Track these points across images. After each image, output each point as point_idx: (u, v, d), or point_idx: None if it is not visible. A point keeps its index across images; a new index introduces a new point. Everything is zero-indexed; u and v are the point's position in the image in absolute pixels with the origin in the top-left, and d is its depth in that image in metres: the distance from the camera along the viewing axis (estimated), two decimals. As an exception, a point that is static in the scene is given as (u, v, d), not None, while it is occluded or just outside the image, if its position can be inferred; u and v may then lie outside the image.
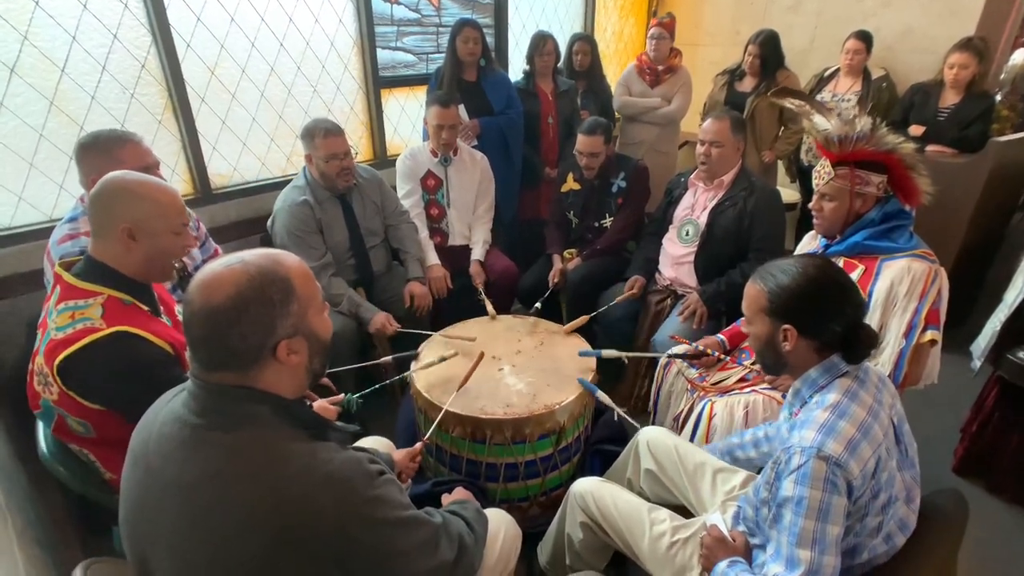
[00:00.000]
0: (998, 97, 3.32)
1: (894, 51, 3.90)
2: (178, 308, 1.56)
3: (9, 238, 2.29)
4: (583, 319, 2.37)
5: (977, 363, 2.25)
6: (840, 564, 1.14)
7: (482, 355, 1.99)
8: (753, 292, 1.32)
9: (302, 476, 0.88)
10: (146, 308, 1.41)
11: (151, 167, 1.76)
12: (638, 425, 1.84)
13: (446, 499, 1.43)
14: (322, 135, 2.39)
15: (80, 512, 2.03)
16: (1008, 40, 3.54)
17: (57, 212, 2.39)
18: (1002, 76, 3.59)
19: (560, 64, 3.58)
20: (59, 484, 1.49)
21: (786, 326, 1.25)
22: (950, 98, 3.35)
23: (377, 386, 1.95)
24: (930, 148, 3.27)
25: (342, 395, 1.73)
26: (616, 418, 1.94)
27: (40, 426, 1.53)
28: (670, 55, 3.75)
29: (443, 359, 2.02)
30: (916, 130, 3.36)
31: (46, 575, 1.39)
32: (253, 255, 0.94)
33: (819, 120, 1.80)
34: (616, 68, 4.87)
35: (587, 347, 2.17)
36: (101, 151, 1.70)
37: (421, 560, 1.00)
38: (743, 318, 1.41)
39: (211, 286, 0.89)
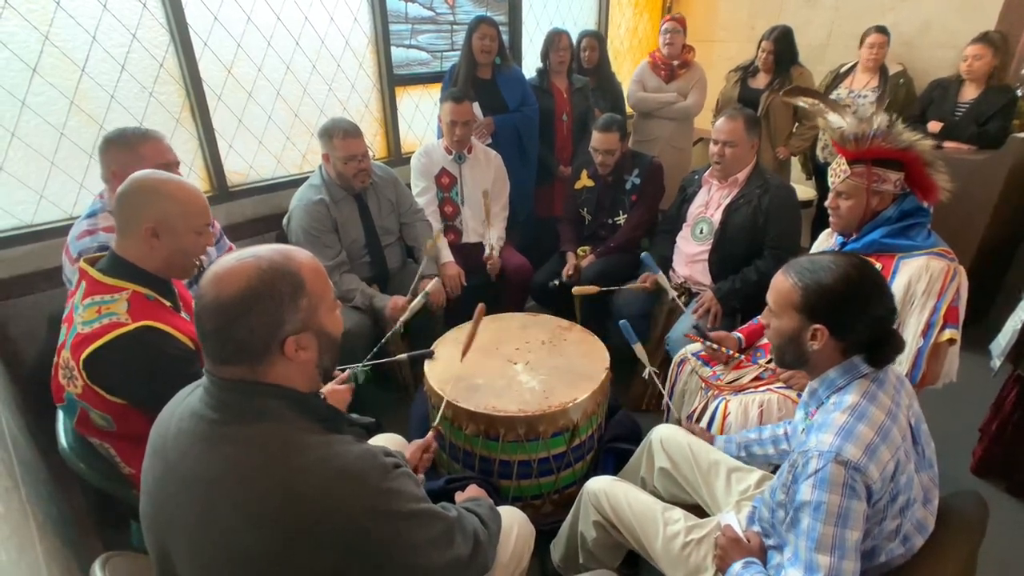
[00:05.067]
0: (1019, 92, 3.26)
1: (912, 46, 3.84)
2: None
3: (31, 235, 2.32)
4: (593, 288, 2.53)
5: (997, 362, 2.22)
6: (859, 568, 1.12)
7: (483, 308, 2.04)
8: (784, 286, 1.26)
9: (317, 469, 0.89)
10: (168, 304, 1.44)
11: (171, 164, 1.79)
12: (664, 392, 1.85)
13: (459, 496, 1.43)
14: (340, 136, 2.40)
15: (99, 507, 2.06)
16: (1029, 34, 3.48)
17: (77, 210, 2.42)
18: (1023, 71, 3.53)
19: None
20: (79, 479, 1.52)
21: (818, 326, 1.20)
22: (969, 93, 3.30)
23: (382, 351, 2.00)
24: (948, 145, 3.22)
25: (347, 372, 1.73)
26: (647, 376, 2.03)
27: (61, 421, 1.55)
28: (683, 51, 3.73)
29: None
30: (934, 126, 3.31)
31: (66, 569, 1.40)
32: (266, 250, 0.95)
33: (834, 118, 1.78)
34: (631, 65, 4.84)
35: (601, 346, 2.16)
36: (124, 145, 1.75)
37: (435, 554, 1.00)
38: (765, 310, 1.35)
39: (223, 279, 0.90)
